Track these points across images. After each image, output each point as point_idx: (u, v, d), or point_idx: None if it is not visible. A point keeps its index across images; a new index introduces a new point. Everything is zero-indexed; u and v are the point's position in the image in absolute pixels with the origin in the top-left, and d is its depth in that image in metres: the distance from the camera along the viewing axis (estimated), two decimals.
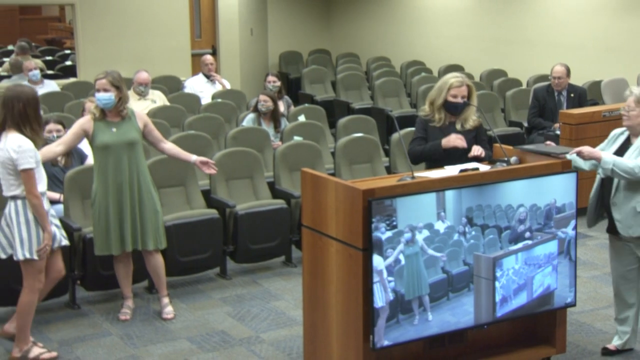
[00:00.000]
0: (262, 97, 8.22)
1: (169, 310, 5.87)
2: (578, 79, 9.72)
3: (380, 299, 4.18)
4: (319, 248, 4.60)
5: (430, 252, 4.30)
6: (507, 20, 12.47)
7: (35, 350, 5.20)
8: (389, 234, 4.15)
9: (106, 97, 5.57)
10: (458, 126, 5.40)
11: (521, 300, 4.61)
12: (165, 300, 5.91)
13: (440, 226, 4.30)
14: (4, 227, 5.05)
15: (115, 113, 5.63)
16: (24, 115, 4.93)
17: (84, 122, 5.65)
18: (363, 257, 4.25)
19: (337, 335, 4.54)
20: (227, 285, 6.48)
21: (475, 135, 5.44)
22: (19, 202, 4.98)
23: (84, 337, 5.57)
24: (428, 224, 4.27)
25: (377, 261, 4.14)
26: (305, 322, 4.82)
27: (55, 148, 5.62)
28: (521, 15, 12.23)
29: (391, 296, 4.21)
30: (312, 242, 4.67)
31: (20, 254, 4.99)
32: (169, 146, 5.90)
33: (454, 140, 5.26)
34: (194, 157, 5.84)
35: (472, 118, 5.44)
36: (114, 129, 5.60)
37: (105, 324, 5.77)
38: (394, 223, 4.15)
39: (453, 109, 5.38)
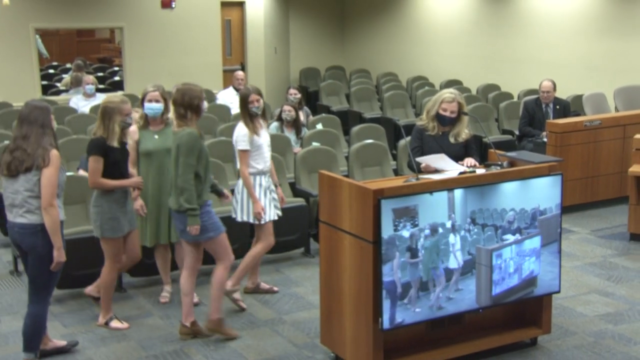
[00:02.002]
0: (287, 107, 8.21)
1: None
2: (563, 93, 9.67)
3: (456, 262, 4.47)
4: (334, 241, 4.59)
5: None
6: (500, 41, 12.41)
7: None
8: (412, 230, 4.27)
9: (157, 107, 5.55)
10: (452, 139, 5.31)
11: (513, 281, 4.71)
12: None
13: (450, 225, 4.42)
14: (237, 195, 5.62)
15: (159, 121, 5.61)
16: (243, 109, 5.57)
17: (132, 133, 5.55)
18: (373, 249, 4.24)
19: (350, 318, 4.52)
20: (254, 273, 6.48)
21: (465, 146, 5.36)
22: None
23: (129, 317, 5.58)
24: (441, 223, 4.38)
25: (453, 238, 4.43)
26: (322, 306, 4.81)
27: (133, 170, 5.54)
28: (513, 36, 12.17)
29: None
30: (328, 236, 4.65)
31: (239, 217, 5.62)
32: None
33: (425, 168, 5.00)
34: None
35: (464, 132, 5.32)
36: (156, 136, 5.57)
37: (147, 305, 5.78)
38: (416, 222, 4.28)
39: (442, 120, 5.31)
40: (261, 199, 5.62)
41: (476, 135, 7.80)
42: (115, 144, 5.10)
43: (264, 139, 5.65)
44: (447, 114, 5.25)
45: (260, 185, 5.61)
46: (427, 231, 4.33)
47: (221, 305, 5.15)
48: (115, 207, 5.14)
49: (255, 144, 5.56)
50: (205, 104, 5.24)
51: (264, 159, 5.62)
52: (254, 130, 5.55)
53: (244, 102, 5.58)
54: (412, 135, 5.41)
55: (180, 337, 5.20)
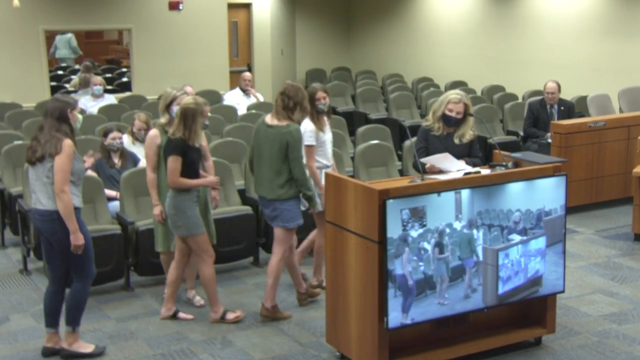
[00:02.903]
0: None
1: (198, 299, 5.73)
2: (567, 94, 9.64)
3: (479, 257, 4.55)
4: (339, 241, 4.58)
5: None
6: (505, 42, 12.39)
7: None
8: (420, 230, 4.28)
9: None
10: (456, 140, 5.30)
11: (519, 280, 4.72)
12: (193, 292, 5.77)
13: (457, 225, 4.43)
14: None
15: None
16: (310, 106, 5.58)
17: (155, 137, 5.41)
18: (378, 249, 4.23)
19: (356, 317, 4.52)
20: (260, 273, 6.46)
21: (470, 146, 5.35)
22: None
23: (137, 315, 5.59)
24: (449, 223, 4.39)
25: (476, 234, 4.48)
26: (328, 305, 4.81)
27: (152, 174, 5.43)
28: (518, 38, 12.15)
29: (421, 276, 4.33)
30: (334, 235, 4.65)
31: (320, 208, 5.61)
32: (207, 165, 5.63)
33: (430, 169, 5.02)
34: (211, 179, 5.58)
35: (468, 133, 5.32)
36: None
37: (154, 304, 5.79)
38: (425, 223, 4.30)
39: (447, 121, 5.30)
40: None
41: (481, 136, 7.82)
42: (195, 144, 5.17)
43: (327, 135, 5.81)
44: (453, 114, 5.24)
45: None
46: (465, 223, 4.41)
47: (275, 294, 5.47)
48: (192, 205, 5.23)
49: (320, 139, 5.72)
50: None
51: (326, 155, 5.79)
52: (319, 127, 5.72)
53: (312, 99, 5.69)
54: (418, 136, 5.40)
55: (261, 319, 5.46)
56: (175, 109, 5.39)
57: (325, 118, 5.83)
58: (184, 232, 5.24)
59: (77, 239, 4.61)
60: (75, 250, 4.64)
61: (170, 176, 5.14)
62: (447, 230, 4.38)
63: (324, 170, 5.65)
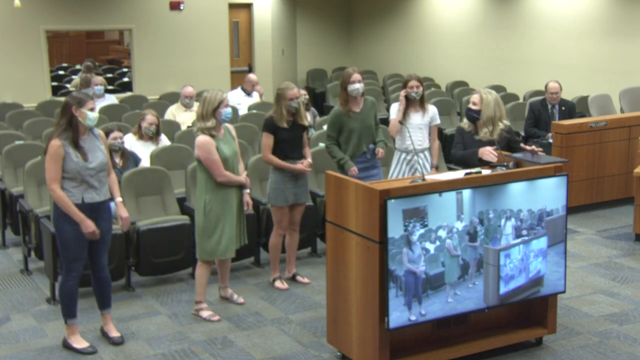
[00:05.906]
0: None
1: (237, 297, 5.77)
2: (568, 95, 9.64)
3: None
4: (340, 241, 4.59)
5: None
6: (506, 42, 12.39)
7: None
8: (422, 231, 4.29)
9: (230, 111, 5.31)
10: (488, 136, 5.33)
11: (521, 280, 4.72)
12: (229, 290, 5.79)
13: (459, 225, 4.44)
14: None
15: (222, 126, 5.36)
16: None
17: (210, 142, 5.21)
18: (379, 249, 4.24)
19: (356, 317, 4.52)
20: (261, 273, 6.47)
21: (508, 141, 5.39)
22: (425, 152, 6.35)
23: (137, 316, 5.60)
24: (450, 223, 4.40)
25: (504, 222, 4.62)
26: (329, 305, 4.81)
27: (226, 172, 5.28)
28: (519, 38, 12.15)
29: (423, 276, 4.35)
30: (335, 236, 4.65)
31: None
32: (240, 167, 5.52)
33: (487, 154, 5.11)
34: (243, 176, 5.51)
35: (497, 127, 5.35)
36: (223, 142, 5.32)
37: (155, 304, 5.79)
38: (426, 223, 4.31)
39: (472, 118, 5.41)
40: (400, 170, 6.29)
41: None
42: (283, 124, 5.70)
43: (413, 120, 6.24)
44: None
45: (404, 160, 6.29)
46: (492, 214, 4.52)
47: None
48: (281, 180, 5.79)
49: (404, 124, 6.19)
50: (359, 86, 6.06)
51: (404, 140, 6.23)
52: (404, 113, 6.24)
53: (404, 86, 6.27)
54: (457, 135, 5.49)
55: None
56: (224, 111, 5.22)
57: (417, 106, 6.29)
58: (271, 201, 5.86)
59: (85, 227, 4.74)
60: (90, 237, 4.77)
61: (262, 151, 5.79)
62: (477, 220, 4.46)
63: (403, 154, 6.27)
